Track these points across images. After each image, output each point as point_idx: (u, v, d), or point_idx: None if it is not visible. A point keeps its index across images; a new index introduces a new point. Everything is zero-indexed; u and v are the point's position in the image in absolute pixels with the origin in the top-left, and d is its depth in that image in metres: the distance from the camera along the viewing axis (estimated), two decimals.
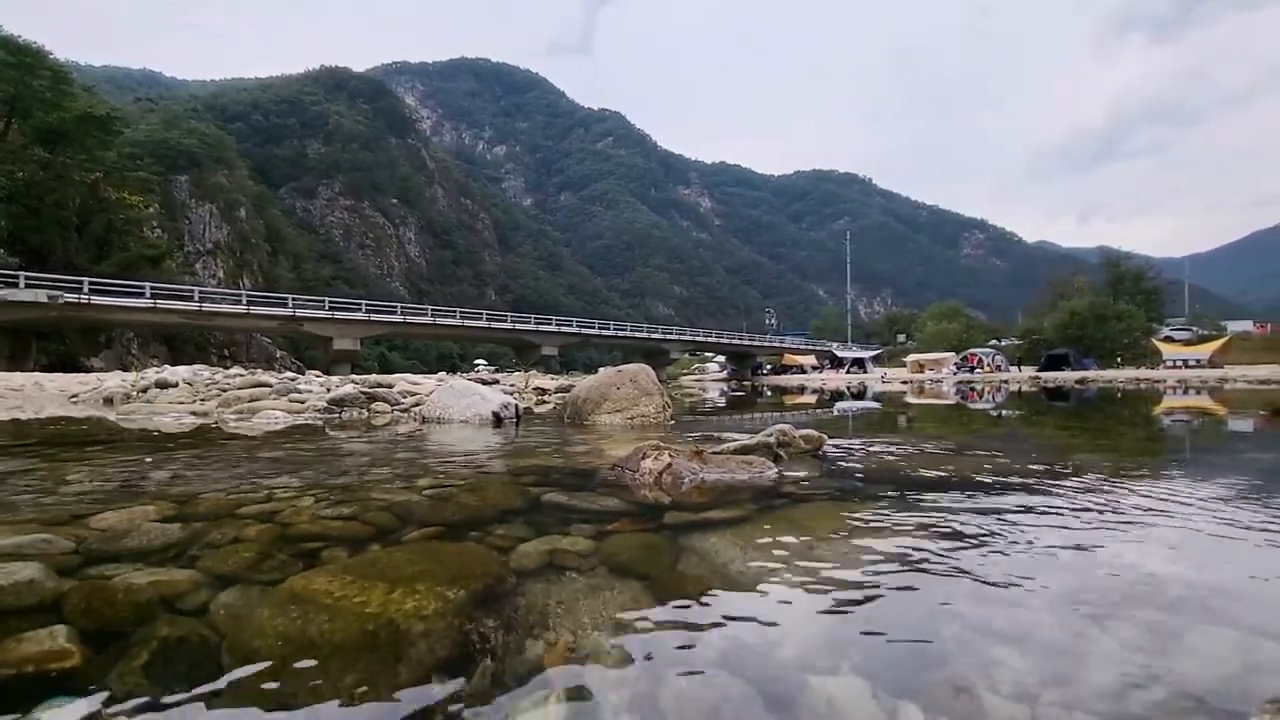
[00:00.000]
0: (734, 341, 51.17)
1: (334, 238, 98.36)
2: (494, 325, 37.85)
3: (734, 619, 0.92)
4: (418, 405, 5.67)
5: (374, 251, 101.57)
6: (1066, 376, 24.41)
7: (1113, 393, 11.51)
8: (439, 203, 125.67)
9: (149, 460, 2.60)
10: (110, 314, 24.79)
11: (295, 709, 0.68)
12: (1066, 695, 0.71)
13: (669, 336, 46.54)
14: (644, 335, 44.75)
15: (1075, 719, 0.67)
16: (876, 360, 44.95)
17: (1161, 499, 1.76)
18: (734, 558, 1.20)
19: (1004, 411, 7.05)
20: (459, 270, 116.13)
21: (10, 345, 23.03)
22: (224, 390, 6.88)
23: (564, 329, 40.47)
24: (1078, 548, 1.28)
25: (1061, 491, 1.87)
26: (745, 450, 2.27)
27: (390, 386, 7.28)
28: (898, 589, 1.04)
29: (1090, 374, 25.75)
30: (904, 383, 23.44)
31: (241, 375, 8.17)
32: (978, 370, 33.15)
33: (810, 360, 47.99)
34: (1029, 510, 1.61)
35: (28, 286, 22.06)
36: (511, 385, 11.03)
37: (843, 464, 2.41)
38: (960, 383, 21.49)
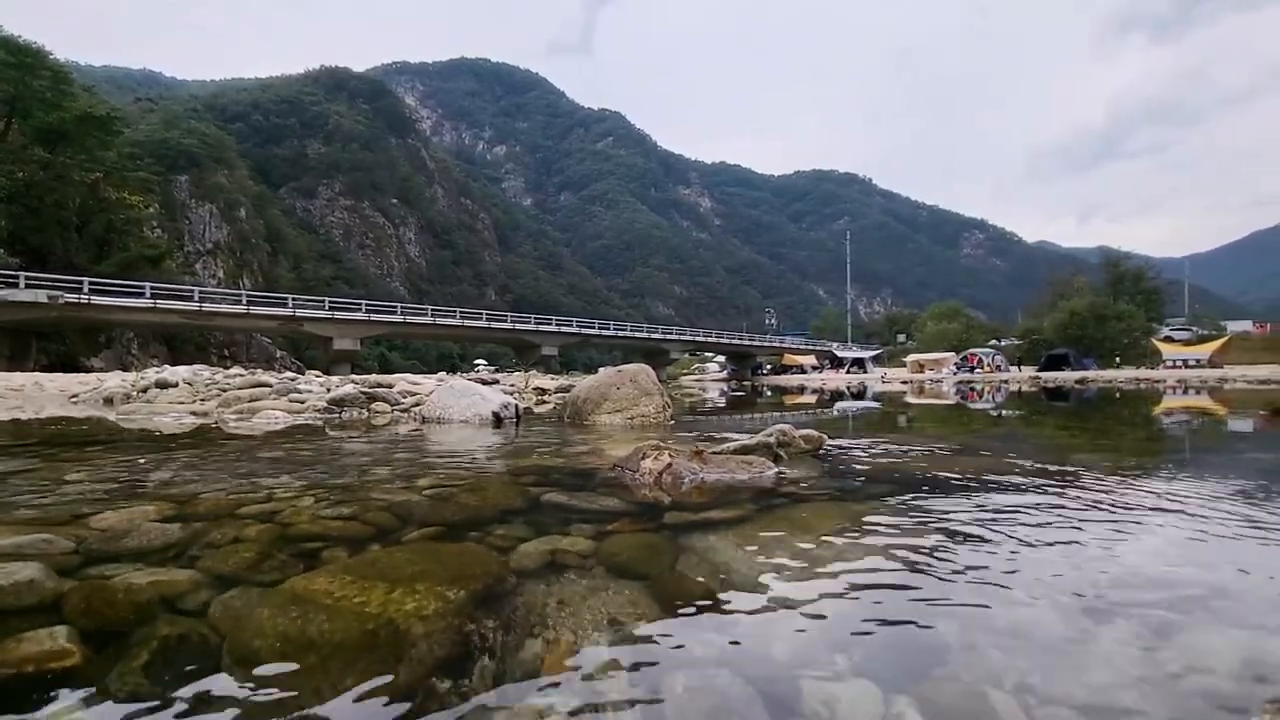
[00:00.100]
0: (734, 341, 51.16)
1: (334, 238, 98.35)
2: (494, 325, 37.86)
3: (734, 619, 0.93)
4: (418, 405, 5.67)
5: (374, 251, 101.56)
6: (1066, 376, 24.41)
7: (1112, 393, 11.51)
8: (439, 203, 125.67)
9: (148, 460, 2.60)
10: (110, 314, 24.82)
11: (295, 709, 0.68)
12: (1067, 694, 0.71)
13: (669, 336, 46.54)
14: (644, 335, 44.75)
15: (1075, 718, 0.67)
16: (876, 360, 44.95)
17: (1162, 499, 1.76)
18: (734, 558, 1.20)
19: (1004, 411, 7.05)
20: (459, 270, 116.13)
21: (10, 345, 23.04)
22: (224, 390, 6.88)
23: (564, 329, 40.48)
24: (1078, 547, 1.28)
25: (1061, 491, 1.87)
26: (745, 450, 2.27)
27: (390, 386, 7.28)
28: (898, 588, 1.04)
29: (1090, 374, 25.75)
30: (904, 383, 23.44)
31: (241, 375, 8.18)
32: (978, 370, 33.15)
33: (810, 360, 48.00)
34: (1029, 509, 1.60)
35: (28, 286, 22.08)
36: (511, 385, 11.03)
37: (843, 464, 2.41)
38: (960, 383, 21.49)
